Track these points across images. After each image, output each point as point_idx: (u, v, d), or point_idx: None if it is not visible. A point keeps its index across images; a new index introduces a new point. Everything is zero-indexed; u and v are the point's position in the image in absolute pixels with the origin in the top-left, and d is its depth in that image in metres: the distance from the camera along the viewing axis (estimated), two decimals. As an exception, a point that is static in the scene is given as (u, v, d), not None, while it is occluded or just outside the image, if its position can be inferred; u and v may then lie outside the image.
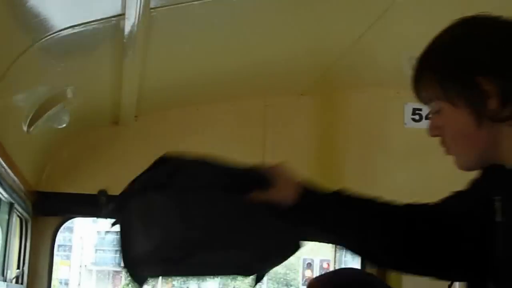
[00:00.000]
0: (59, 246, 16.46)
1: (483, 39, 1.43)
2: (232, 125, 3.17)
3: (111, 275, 31.22)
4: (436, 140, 3.08)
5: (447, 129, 1.49)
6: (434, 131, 1.51)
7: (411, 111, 3.24)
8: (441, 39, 1.48)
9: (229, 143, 3.17)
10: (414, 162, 3.31)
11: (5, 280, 2.67)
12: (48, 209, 3.08)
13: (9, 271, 2.78)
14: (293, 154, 3.06)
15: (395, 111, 3.26)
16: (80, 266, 29.36)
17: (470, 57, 1.44)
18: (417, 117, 3.24)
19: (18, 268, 2.95)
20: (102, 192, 3.04)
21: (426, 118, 3.28)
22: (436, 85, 1.47)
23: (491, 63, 1.41)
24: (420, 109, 3.21)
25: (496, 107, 1.38)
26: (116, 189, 3.00)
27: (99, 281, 31.83)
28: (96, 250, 29.83)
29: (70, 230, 26.22)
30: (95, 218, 3.32)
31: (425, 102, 1.52)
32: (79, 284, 26.75)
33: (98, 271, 30.97)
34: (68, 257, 28.78)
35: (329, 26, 2.49)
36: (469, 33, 1.45)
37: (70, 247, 29.62)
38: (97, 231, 27.75)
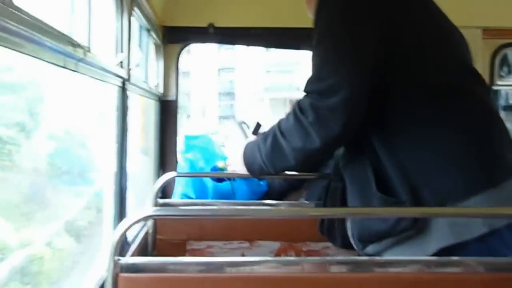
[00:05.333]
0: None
1: None
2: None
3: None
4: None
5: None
6: None
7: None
8: None
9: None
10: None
11: (148, 85, 3.36)
12: (173, 38, 3.74)
13: (150, 81, 3.51)
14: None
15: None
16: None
17: None
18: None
19: (156, 79, 3.68)
20: (211, 25, 3.68)
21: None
22: None
23: None
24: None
25: None
26: (221, 22, 3.74)
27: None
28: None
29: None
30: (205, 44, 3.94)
31: None
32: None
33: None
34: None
35: None
36: None
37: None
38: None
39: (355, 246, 2.10)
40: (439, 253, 1.81)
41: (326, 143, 1.85)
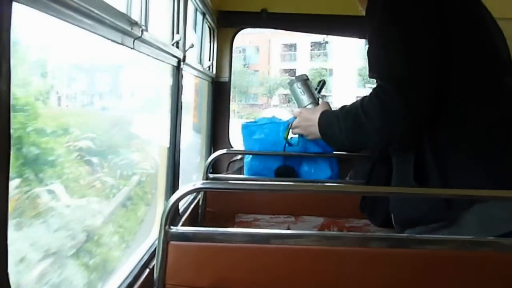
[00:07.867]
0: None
1: None
2: None
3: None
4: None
5: None
6: None
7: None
8: None
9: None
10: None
11: (202, 66, 3.44)
12: (227, 22, 3.76)
13: (204, 62, 3.57)
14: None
15: None
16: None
17: None
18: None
19: (209, 60, 3.74)
20: (264, 10, 3.66)
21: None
22: None
23: None
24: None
25: None
26: (274, 8, 3.71)
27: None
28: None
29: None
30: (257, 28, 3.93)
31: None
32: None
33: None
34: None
35: None
36: None
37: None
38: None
39: (396, 228, 2.08)
40: None
41: (410, 122, 1.83)
